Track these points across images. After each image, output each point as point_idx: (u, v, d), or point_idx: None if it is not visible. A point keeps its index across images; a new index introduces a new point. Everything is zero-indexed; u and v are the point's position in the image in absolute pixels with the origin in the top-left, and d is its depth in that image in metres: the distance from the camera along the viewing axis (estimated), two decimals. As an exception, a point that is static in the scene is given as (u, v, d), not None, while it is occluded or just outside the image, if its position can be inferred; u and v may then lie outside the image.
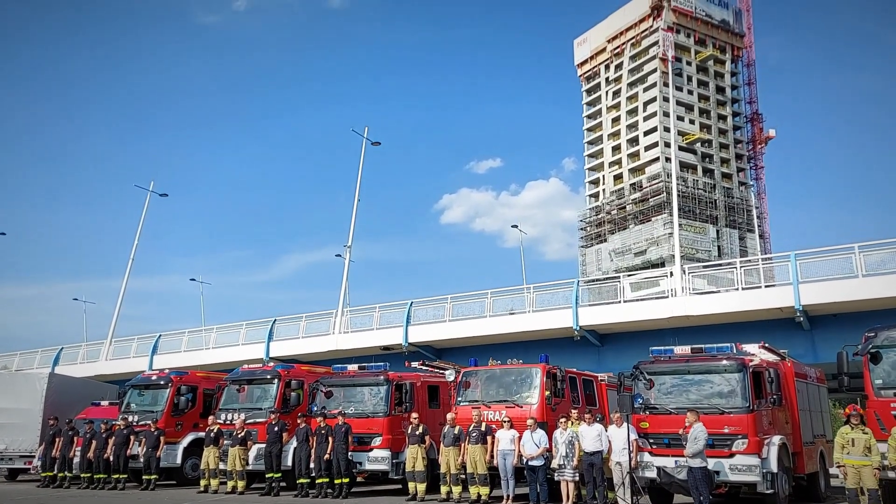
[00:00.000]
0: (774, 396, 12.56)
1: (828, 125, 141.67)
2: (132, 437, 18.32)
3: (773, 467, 11.77)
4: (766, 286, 22.19)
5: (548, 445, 13.29)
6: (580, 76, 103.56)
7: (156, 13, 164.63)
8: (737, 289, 22.74)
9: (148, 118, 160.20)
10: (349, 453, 15.12)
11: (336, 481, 15.11)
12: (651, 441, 12.43)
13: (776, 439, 12.17)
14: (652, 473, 12.31)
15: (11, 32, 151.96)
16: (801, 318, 21.01)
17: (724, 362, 12.53)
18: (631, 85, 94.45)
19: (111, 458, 18.19)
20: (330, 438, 15.10)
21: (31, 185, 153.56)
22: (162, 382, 19.76)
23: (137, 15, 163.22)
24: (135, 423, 18.88)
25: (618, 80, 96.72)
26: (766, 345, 14.17)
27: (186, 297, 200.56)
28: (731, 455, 11.78)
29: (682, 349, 13.39)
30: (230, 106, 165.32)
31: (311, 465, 15.43)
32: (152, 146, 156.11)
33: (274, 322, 31.95)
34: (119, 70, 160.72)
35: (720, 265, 29.97)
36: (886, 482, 10.40)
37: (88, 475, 18.55)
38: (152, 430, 18.14)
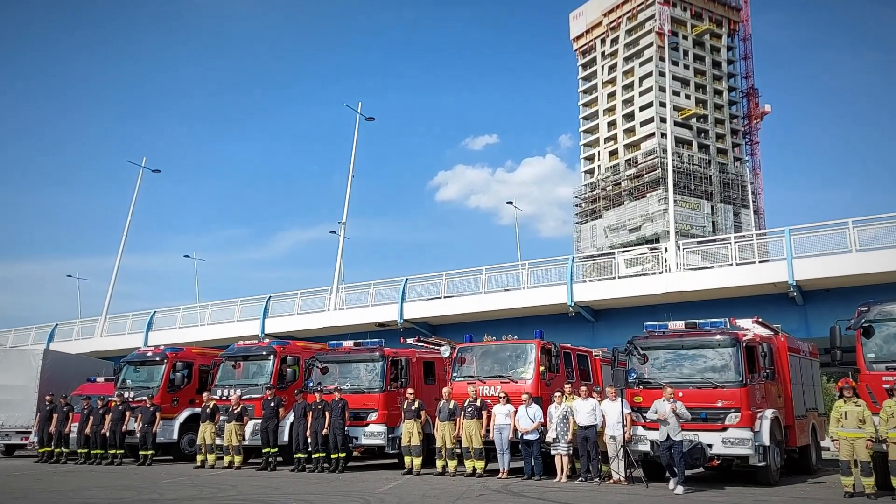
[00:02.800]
0: (767, 371, 12.64)
1: (823, 103, 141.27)
2: (128, 413, 18.38)
3: (766, 440, 11.90)
4: (760, 261, 22.24)
5: (542, 420, 13.42)
6: (576, 51, 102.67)
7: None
8: (731, 264, 22.79)
9: (142, 98, 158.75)
10: (346, 428, 15.23)
11: (333, 456, 15.23)
12: (644, 415, 12.52)
13: (769, 413, 12.29)
14: (645, 447, 12.43)
15: (10, 17, 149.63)
16: (795, 294, 21.10)
17: (718, 337, 12.60)
18: (627, 59, 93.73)
19: (108, 434, 18.27)
20: (327, 413, 15.20)
21: (25, 164, 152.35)
22: (157, 359, 19.79)
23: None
24: (131, 399, 18.93)
25: (614, 54, 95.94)
26: (760, 320, 14.23)
27: (181, 275, 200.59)
28: (724, 428, 11.89)
29: (676, 324, 13.46)
30: (225, 86, 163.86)
31: (308, 440, 15.53)
32: (147, 125, 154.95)
33: (269, 299, 31.95)
34: (112, 51, 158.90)
35: (714, 241, 30.04)
36: (877, 454, 10.51)
37: (85, 451, 18.63)
38: (148, 405, 18.19)
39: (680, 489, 11.41)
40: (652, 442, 12.20)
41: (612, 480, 12.61)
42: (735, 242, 23.25)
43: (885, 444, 10.35)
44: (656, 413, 11.79)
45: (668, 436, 11.61)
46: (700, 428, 11.95)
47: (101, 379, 23.13)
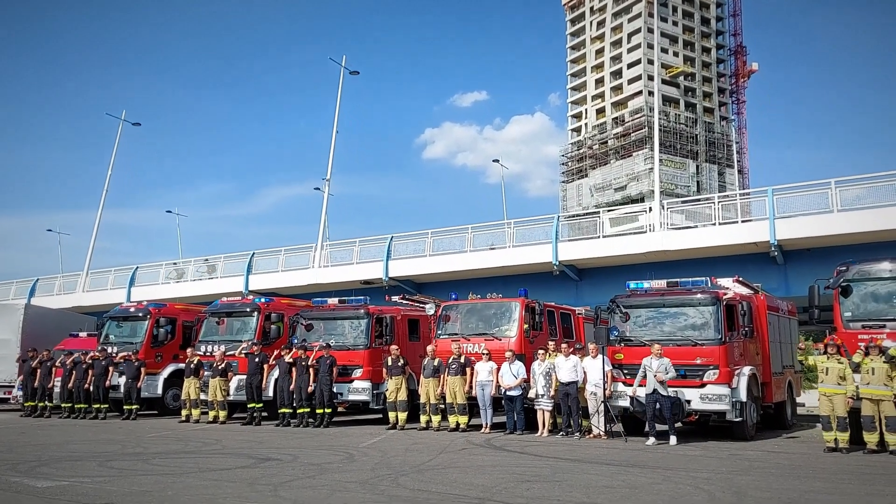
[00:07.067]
0: (746, 329, 12.86)
1: (810, 62, 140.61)
2: (111, 369, 18.37)
3: (743, 397, 12.15)
4: (743, 221, 22.40)
5: (525, 376, 13.60)
6: (564, 5, 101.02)
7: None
8: (714, 224, 22.92)
9: (123, 51, 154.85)
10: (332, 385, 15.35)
11: (318, 411, 15.38)
12: (625, 371, 12.73)
13: (746, 370, 12.52)
14: (625, 402, 12.65)
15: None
16: (776, 253, 21.31)
17: (698, 296, 12.74)
18: (616, 15, 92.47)
19: (91, 389, 18.29)
20: (311, 370, 15.28)
21: (3, 119, 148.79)
22: (141, 314, 19.71)
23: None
24: (114, 355, 18.89)
25: (602, 9, 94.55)
26: (740, 279, 14.40)
27: (163, 231, 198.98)
28: (703, 385, 12.11)
29: (658, 283, 13.57)
30: (209, 40, 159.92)
31: (294, 396, 15.63)
32: (128, 79, 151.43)
33: (253, 255, 31.77)
34: (93, 4, 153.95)
35: (698, 200, 30.17)
36: (852, 410, 10.78)
37: (69, 405, 18.67)
38: (133, 361, 18.19)
39: (673, 440, 11.85)
40: (631, 398, 12.42)
41: (592, 435, 12.87)
42: (718, 202, 23.35)
43: (859, 400, 10.60)
44: (650, 368, 11.96)
45: (655, 390, 11.87)
46: (679, 384, 12.15)
47: (83, 334, 23.04)
